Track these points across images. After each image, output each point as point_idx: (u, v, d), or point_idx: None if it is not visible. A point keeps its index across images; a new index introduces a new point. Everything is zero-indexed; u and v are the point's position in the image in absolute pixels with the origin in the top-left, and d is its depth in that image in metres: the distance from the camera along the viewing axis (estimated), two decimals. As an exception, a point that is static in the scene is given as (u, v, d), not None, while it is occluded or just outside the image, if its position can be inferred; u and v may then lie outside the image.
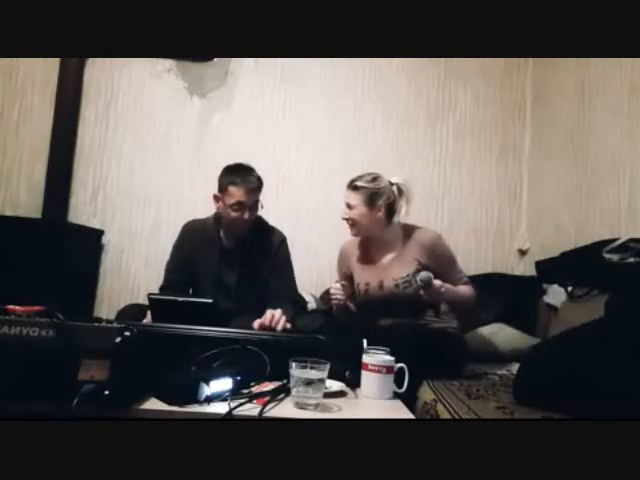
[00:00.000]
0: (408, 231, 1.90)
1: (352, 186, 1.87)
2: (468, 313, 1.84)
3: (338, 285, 1.82)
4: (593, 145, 2.24)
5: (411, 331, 1.75)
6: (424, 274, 1.63)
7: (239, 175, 1.87)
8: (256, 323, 1.66)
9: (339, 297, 1.80)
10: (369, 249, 1.96)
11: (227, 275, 1.96)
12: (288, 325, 1.67)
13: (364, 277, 1.91)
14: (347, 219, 1.88)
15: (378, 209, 1.85)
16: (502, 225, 2.90)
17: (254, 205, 1.90)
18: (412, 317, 1.81)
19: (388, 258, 1.90)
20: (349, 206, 1.87)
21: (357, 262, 1.97)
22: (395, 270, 1.84)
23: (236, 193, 1.85)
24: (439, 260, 1.82)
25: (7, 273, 2.16)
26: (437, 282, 1.64)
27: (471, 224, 2.90)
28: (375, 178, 1.86)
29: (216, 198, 1.94)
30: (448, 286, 1.69)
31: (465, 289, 1.82)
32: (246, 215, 1.87)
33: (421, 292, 1.65)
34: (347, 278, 1.98)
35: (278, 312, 1.66)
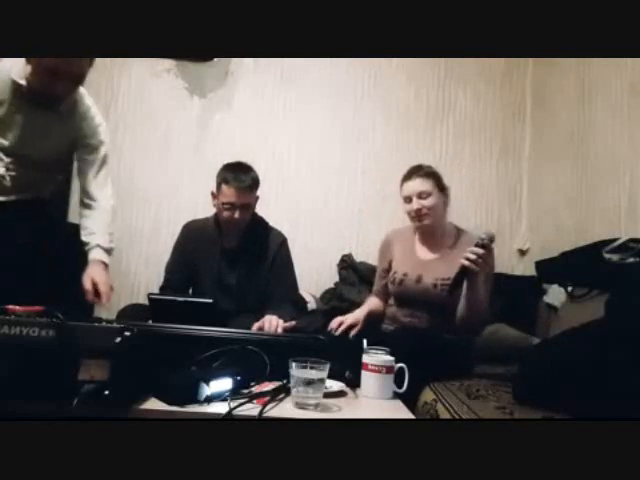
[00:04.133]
0: (460, 233, 1.84)
1: (423, 173, 1.81)
2: (475, 324, 1.74)
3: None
4: (593, 145, 2.24)
5: (418, 338, 1.65)
6: (489, 232, 1.56)
7: (232, 173, 1.85)
8: (255, 327, 1.65)
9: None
10: (421, 240, 1.88)
11: (227, 275, 1.96)
12: (292, 323, 1.68)
13: (403, 268, 1.84)
14: (419, 209, 1.77)
15: (447, 194, 1.83)
16: (502, 225, 2.90)
17: (245, 206, 1.87)
18: (436, 322, 1.74)
19: (434, 255, 1.83)
20: (422, 195, 1.77)
21: (399, 251, 1.90)
22: (438, 269, 1.75)
23: (227, 192, 1.84)
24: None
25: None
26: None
27: (471, 224, 2.89)
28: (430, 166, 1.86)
29: (213, 195, 1.94)
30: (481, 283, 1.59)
31: (485, 301, 1.68)
32: (236, 215, 1.85)
33: (470, 255, 1.51)
34: (387, 269, 1.92)
35: (275, 319, 1.65)
